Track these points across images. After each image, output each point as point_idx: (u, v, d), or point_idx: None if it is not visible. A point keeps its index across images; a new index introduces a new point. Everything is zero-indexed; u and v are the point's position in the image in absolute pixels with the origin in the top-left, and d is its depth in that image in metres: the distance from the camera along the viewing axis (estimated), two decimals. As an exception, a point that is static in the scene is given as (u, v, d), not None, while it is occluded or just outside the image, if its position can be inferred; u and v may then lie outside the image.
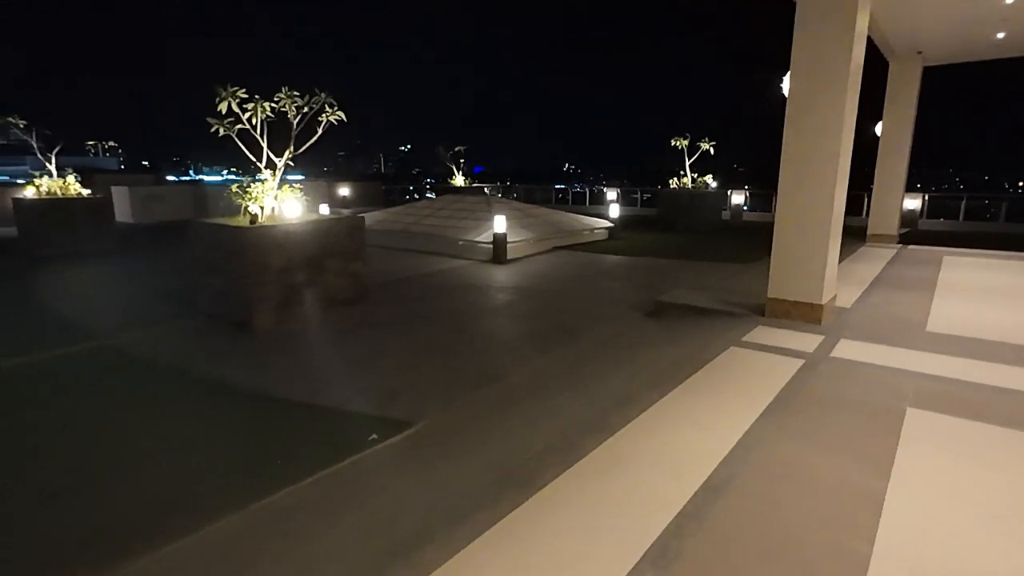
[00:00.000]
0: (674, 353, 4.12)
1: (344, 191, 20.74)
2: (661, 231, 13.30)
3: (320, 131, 5.88)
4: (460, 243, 9.43)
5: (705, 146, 14.01)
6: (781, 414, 3.04)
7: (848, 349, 4.12)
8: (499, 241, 8.67)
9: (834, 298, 5.18)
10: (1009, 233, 14.48)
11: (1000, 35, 8.02)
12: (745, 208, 17.88)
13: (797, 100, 4.66)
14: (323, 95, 5.69)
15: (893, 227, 10.24)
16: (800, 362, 3.85)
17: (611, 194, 21.08)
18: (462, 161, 19.65)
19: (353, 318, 5.35)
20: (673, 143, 14.22)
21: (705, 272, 7.57)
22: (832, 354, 4.02)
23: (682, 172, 14.43)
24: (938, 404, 3.15)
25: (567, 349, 4.37)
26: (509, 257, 8.84)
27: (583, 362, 4.04)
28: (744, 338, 4.41)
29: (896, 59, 9.65)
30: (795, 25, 4.63)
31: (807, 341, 4.31)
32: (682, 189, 14.31)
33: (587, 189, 24.07)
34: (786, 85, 4.93)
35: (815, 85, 4.55)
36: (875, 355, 3.98)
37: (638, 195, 21.67)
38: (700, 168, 14.42)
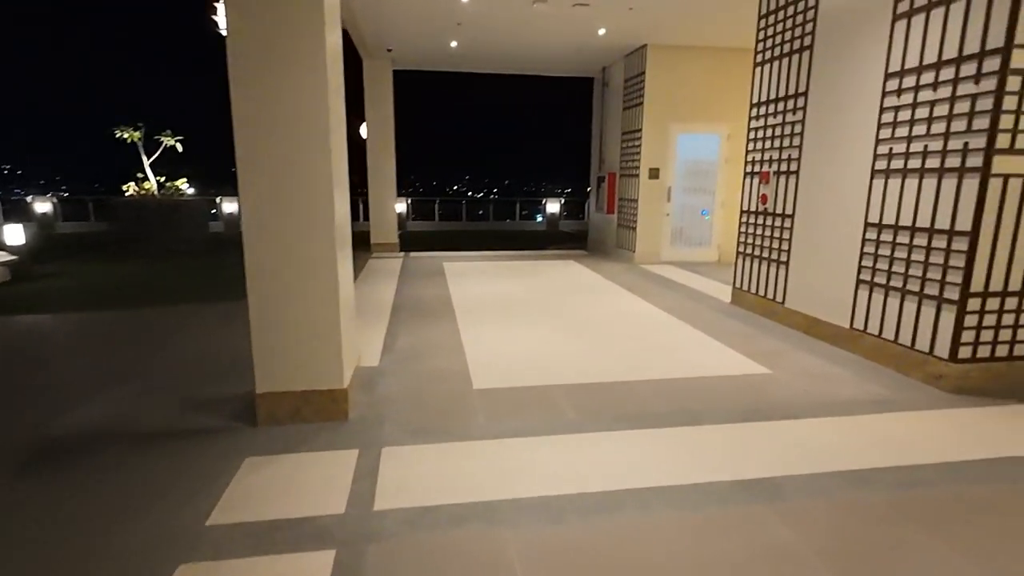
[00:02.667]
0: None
1: None
2: (118, 257, 9.35)
3: None
4: None
5: (169, 141, 10.67)
6: None
7: (396, 479, 2.41)
8: None
9: (358, 360, 3.52)
10: (470, 231, 17.14)
11: (453, 44, 8.25)
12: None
13: (248, 77, 2.59)
14: None
15: (394, 233, 9.87)
16: (326, 565, 1.87)
17: (43, 206, 14.63)
18: None
19: None
20: (119, 135, 10.28)
21: (172, 327, 4.84)
22: (377, 505, 2.22)
23: (141, 175, 10.65)
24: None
25: None
26: None
27: None
28: (216, 511, 2.13)
29: (369, 56, 9.06)
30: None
31: (332, 479, 2.40)
32: (146, 196, 10.56)
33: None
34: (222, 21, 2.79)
35: (280, 62, 2.58)
36: (435, 479, 2.41)
37: (89, 205, 15.86)
38: (169, 169, 10.99)
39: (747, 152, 5.61)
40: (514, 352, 4.19)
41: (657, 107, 8.22)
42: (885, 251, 3.94)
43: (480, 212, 20.63)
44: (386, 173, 9.56)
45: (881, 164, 3.96)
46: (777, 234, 5.16)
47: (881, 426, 2.97)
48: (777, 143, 5.13)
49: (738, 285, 5.82)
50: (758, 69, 5.42)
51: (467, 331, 4.76)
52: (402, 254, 9.64)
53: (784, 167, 5.04)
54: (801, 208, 4.83)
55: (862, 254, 4.15)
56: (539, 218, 20.27)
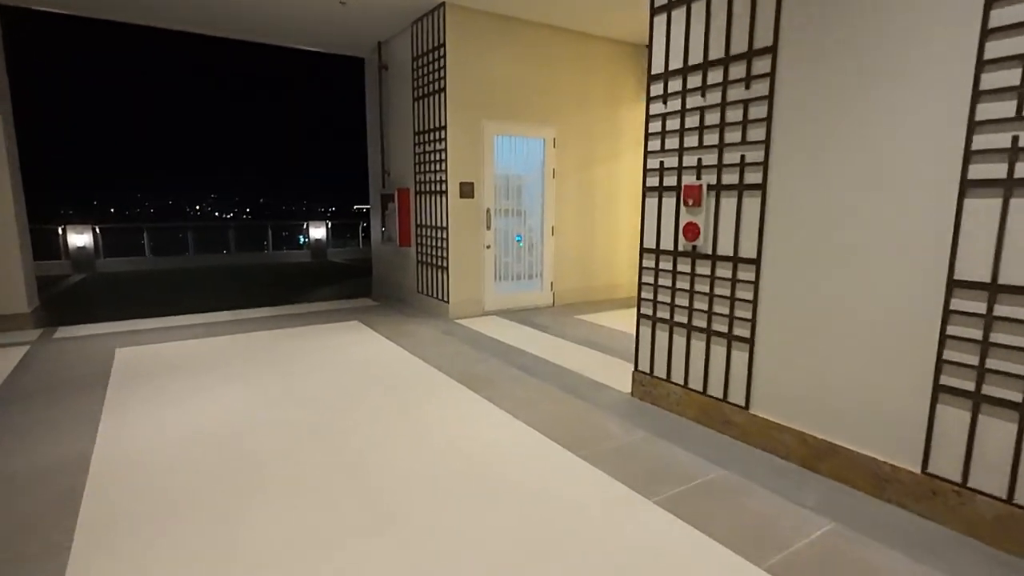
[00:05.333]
0: None
1: None
2: None
3: None
4: None
5: None
6: None
7: None
8: None
9: None
10: (201, 270, 12.58)
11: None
12: None
13: None
14: None
15: (21, 296, 5.52)
16: None
17: None
18: None
19: None
20: None
21: None
22: None
23: None
24: None
25: None
26: None
27: None
28: None
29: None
30: None
31: None
32: None
33: None
34: None
35: None
36: None
37: None
38: None
39: (646, 154, 3.46)
40: None
41: (464, 96, 5.78)
42: (1006, 335, 2.02)
43: (236, 235, 15.76)
44: (-7, 187, 5.22)
45: (984, 169, 2.05)
46: (724, 290, 3.06)
47: None
48: (712, 139, 3.05)
49: (644, 367, 3.62)
50: (660, 18, 3.31)
51: None
52: (37, 333, 5.40)
53: (729, 179, 2.97)
54: (776, 248, 2.79)
55: (945, 338, 2.19)
56: (302, 238, 16.42)
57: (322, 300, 7.53)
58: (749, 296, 2.92)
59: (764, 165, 2.78)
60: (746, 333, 2.95)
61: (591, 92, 6.60)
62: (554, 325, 5.74)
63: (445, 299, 6.08)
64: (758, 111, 2.80)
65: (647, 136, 3.43)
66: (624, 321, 5.86)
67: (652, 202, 3.45)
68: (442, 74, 5.71)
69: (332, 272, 12.06)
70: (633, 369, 3.70)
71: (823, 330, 2.60)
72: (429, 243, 6.33)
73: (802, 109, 2.61)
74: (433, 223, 6.19)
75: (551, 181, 6.50)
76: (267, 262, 14.45)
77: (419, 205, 6.48)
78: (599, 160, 6.78)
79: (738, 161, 2.91)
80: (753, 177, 2.85)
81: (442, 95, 5.74)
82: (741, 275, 2.95)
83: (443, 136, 5.80)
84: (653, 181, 3.43)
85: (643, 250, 3.53)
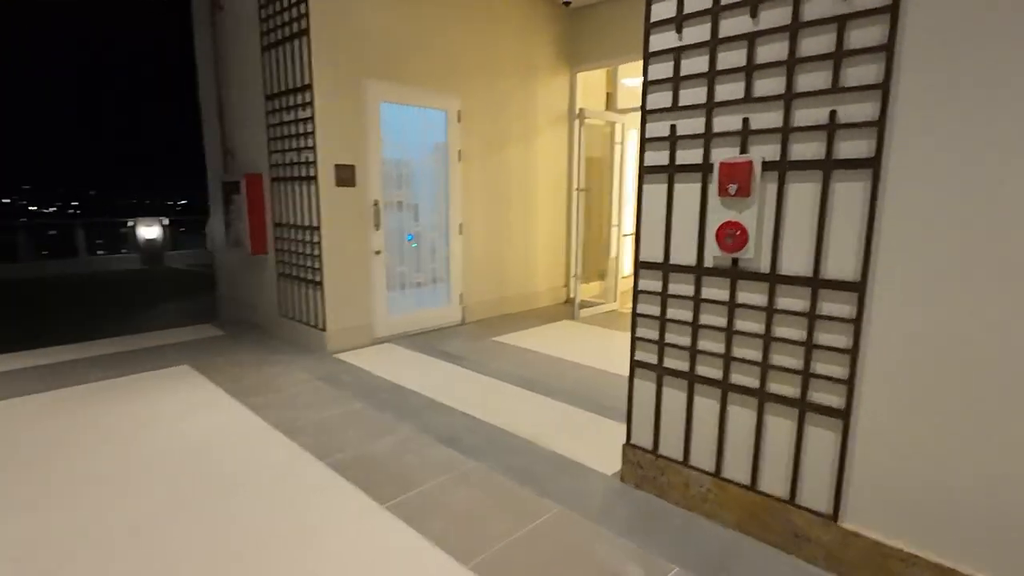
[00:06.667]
0: None
1: None
2: None
3: None
4: None
5: None
6: None
7: None
8: None
9: None
10: (43, 277, 9.45)
11: None
12: None
13: None
14: None
15: None
16: None
17: None
18: None
19: None
20: None
21: None
22: None
23: None
24: None
25: None
26: None
27: None
28: None
29: None
30: None
31: None
32: None
33: None
34: None
35: None
36: None
37: None
38: None
39: (645, 114, 2.22)
40: None
41: (336, 43, 4.18)
42: None
43: (37, 237, 12.15)
44: None
45: None
46: (792, 331, 1.91)
47: None
48: (771, 86, 1.87)
49: (642, 441, 2.40)
50: None
51: None
52: None
53: (805, 150, 1.82)
54: (904, 266, 1.68)
55: None
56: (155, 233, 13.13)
57: (144, 330, 5.45)
58: (843, 341, 1.79)
59: (879, 126, 1.65)
60: (836, 401, 1.83)
61: (504, 56, 5.29)
62: (471, 354, 4.38)
63: (320, 326, 4.45)
64: (866, 35, 1.66)
65: (647, 85, 2.19)
66: (553, 342, 4.66)
67: (656, 189, 2.21)
68: (303, 10, 4.04)
69: (167, 283, 9.59)
70: (624, 442, 2.47)
71: (1010, 406, 1.54)
72: (294, 248, 4.63)
73: (967, 26, 1.50)
74: (298, 221, 4.51)
75: (456, 165, 5.10)
76: (81, 271, 11.36)
77: (277, 196, 4.74)
78: (513, 140, 5.51)
79: (825, 121, 1.76)
80: (854, 147, 1.71)
81: (303, 40, 4.08)
82: (827, 308, 1.82)
83: (308, 99, 4.15)
84: (658, 157, 2.19)
85: (640, 265, 2.29)
